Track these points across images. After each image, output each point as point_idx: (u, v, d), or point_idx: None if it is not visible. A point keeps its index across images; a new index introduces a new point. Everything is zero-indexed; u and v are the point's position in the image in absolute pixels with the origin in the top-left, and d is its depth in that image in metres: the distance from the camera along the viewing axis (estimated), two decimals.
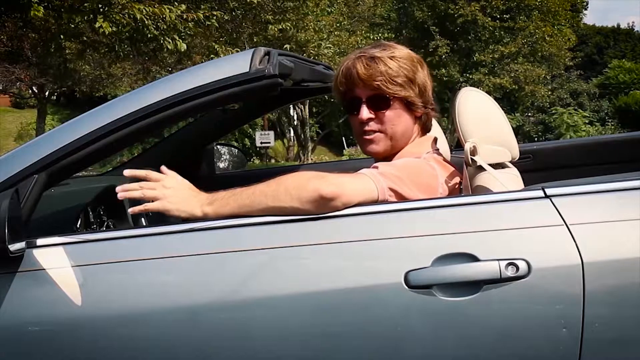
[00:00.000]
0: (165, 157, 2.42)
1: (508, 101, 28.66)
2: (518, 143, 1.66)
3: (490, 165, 1.48)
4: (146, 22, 7.50)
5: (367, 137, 1.60)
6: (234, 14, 10.93)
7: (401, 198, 1.40)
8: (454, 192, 1.53)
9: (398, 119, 1.57)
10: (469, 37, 22.18)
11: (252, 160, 24.70)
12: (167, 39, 7.92)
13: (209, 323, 1.30)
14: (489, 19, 21.53)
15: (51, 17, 8.54)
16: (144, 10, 7.42)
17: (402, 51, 1.59)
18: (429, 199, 1.41)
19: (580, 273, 1.21)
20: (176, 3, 7.98)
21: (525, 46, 22.04)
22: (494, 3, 21.30)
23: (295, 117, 20.51)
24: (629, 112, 25.90)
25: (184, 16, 7.94)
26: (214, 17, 8.57)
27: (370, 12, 22.66)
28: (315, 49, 12.96)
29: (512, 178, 1.56)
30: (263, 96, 1.99)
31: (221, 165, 2.73)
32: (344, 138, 25.39)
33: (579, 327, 1.21)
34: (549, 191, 1.29)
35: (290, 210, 1.33)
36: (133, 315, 1.31)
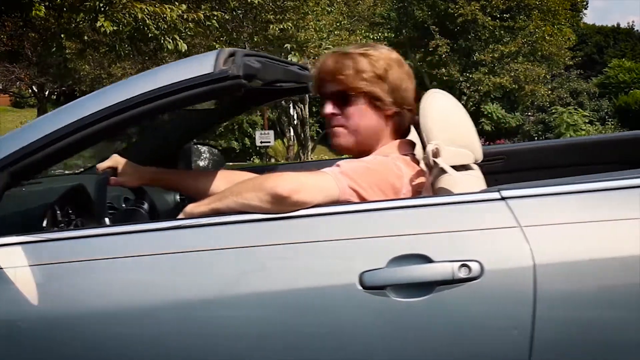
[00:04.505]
0: (141, 156, 2.41)
1: (508, 100, 28.65)
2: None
3: (454, 167, 1.49)
4: (147, 21, 7.51)
5: (333, 130, 1.62)
6: (234, 13, 10.93)
7: (361, 197, 1.41)
8: (420, 193, 1.53)
9: (361, 115, 1.57)
10: (469, 37, 22.19)
11: (252, 159, 24.70)
12: (167, 38, 7.92)
13: (171, 322, 1.30)
14: (489, 18, 21.54)
15: (52, 17, 8.55)
16: (145, 10, 7.43)
17: (378, 50, 1.58)
18: (385, 200, 1.41)
19: (533, 274, 1.22)
20: (177, 3, 7.98)
21: (525, 45, 22.05)
22: (493, 2, 21.31)
23: (295, 117, 20.51)
24: (629, 112, 25.93)
25: (185, 16, 7.94)
26: (215, 17, 8.57)
27: (370, 12, 22.65)
28: (316, 49, 12.97)
29: (474, 180, 1.56)
30: (230, 97, 1.98)
31: (201, 164, 2.74)
32: None
33: (530, 328, 1.21)
34: (504, 193, 1.30)
35: (252, 208, 1.34)
36: (92, 315, 1.31)
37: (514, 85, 22.60)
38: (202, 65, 1.40)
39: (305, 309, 1.27)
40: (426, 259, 1.25)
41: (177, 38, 8.07)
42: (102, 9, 7.49)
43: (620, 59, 34.97)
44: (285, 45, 12.50)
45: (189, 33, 8.78)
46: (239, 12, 11.50)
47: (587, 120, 25.86)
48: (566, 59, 24.40)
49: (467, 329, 1.24)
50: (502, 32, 22.02)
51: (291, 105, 19.42)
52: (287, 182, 1.33)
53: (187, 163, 2.55)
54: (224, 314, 1.29)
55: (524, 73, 22.15)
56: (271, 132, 18.24)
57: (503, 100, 29.35)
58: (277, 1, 12.64)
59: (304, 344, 1.27)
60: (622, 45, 38.99)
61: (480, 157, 1.63)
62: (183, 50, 8.36)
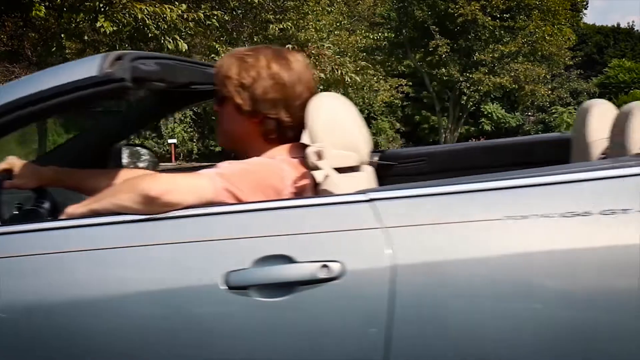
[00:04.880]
0: (68, 157, 2.38)
1: (508, 100, 28.67)
2: None
3: (341, 168, 1.50)
4: (147, 21, 7.52)
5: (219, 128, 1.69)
6: (234, 13, 10.93)
7: (238, 199, 1.42)
8: (303, 194, 1.55)
9: (229, 119, 1.62)
10: (469, 37, 22.19)
11: None
12: (167, 38, 7.93)
13: (32, 324, 1.32)
14: (489, 18, 21.55)
15: (52, 17, 8.56)
16: (145, 10, 7.44)
17: (258, 57, 1.59)
18: (252, 202, 1.42)
19: (393, 275, 1.24)
20: (177, 3, 7.99)
21: (526, 45, 22.05)
22: (494, 2, 21.31)
23: None
24: None
25: (185, 16, 7.96)
26: (215, 17, 8.59)
27: (370, 12, 22.68)
28: (317, 49, 12.97)
29: (358, 181, 1.58)
30: (122, 98, 2.00)
31: (140, 165, 2.73)
32: None
33: (389, 328, 1.23)
34: (372, 195, 1.32)
35: (125, 209, 1.36)
36: None
37: (514, 85, 22.60)
38: (88, 68, 1.42)
39: (170, 308, 1.29)
40: (289, 259, 1.27)
41: (178, 38, 8.08)
42: (102, 9, 7.50)
43: (620, 59, 35.00)
44: (287, 46, 12.50)
45: (189, 33, 8.79)
46: (239, 12, 11.49)
47: None
48: (566, 59, 24.39)
49: (328, 329, 1.26)
50: (502, 32, 22.02)
51: None
52: (158, 184, 1.35)
53: (117, 164, 2.54)
54: (88, 315, 1.31)
55: (524, 73, 22.15)
56: None
57: (503, 100, 29.37)
58: (277, 1, 12.65)
59: (169, 343, 1.29)
60: (622, 45, 39.00)
61: (366, 160, 1.64)
62: (183, 50, 8.37)
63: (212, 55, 11.72)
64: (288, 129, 1.59)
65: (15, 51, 11.58)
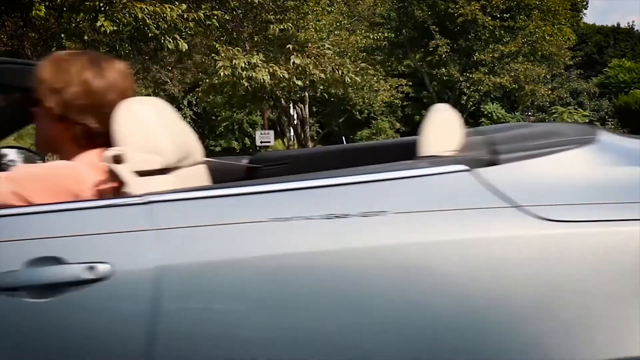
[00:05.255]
0: None
1: (508, 100, 28.69)
2: None
3: (148, 171, 1.52)
4: (147, 21, 7.53)
5: None
6: (234, 13, 10.94)
7: (27, 202, 1.44)
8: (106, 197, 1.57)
9: (41, 123, 1.62)
10: (469, 37, 22.21)
11: None
12: (167, 38, 7.95)
13: None
14: (489, 18, 21.56)
15: (52, 17, 8.56)
16: (145, 10, 7.45)
17: (73, 62, 1.60)
18: (27, 205, 1.44)
19: (159, 276, 1.26)
20: (177, 2, 8.00)
21: (525, 45, 22.06)
22: (494, 2, 21.33)
23: (295, 117, 20.51)
24: (629, 112, 25.93)
25: (185, 15, 7.96)
26: (215, 17, 8.60)
27: (370, 12, 22.68)
28: (317, 49, 12.98)
29: (160, 185, 1.59)
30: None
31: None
32: (343, 137, 25.44)
33: (151, 328, 1.25)
34: (150, 198, 1.34)
35: None
36: None
37: (514, 85, 22.61)
38: None
39: None
40: (58, 261, 1.29)
41: (178, 37, 8.09)
42: (102, 8, 7.51)
43: (620, 59, 35.04)
44: (287, 46, 12.50)
45: (189, 33, 8.80)
46: (239, 12, 11.52)
47: (587, 120, 25.93)
48: (566, 59, 24.40)
49: (95, 329, 1.27)
50: (502, 32, 22.03)
51: (291, 105, 19.41)
52: None
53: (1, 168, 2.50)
54: None
55: (524, 73, 22.16)
56: (271, 132, 18.26)
57: (503, 100, 29.40)
58: (277, 1, 12.67)
59: None
60: (622, 45, 39.04)
61: (169, 163, 1.65)
62: (183, 50, 8.38)
63: (212, 55, 11.76)
64: (97, 136, 1.60)
65: (15, 51, 11.56)
